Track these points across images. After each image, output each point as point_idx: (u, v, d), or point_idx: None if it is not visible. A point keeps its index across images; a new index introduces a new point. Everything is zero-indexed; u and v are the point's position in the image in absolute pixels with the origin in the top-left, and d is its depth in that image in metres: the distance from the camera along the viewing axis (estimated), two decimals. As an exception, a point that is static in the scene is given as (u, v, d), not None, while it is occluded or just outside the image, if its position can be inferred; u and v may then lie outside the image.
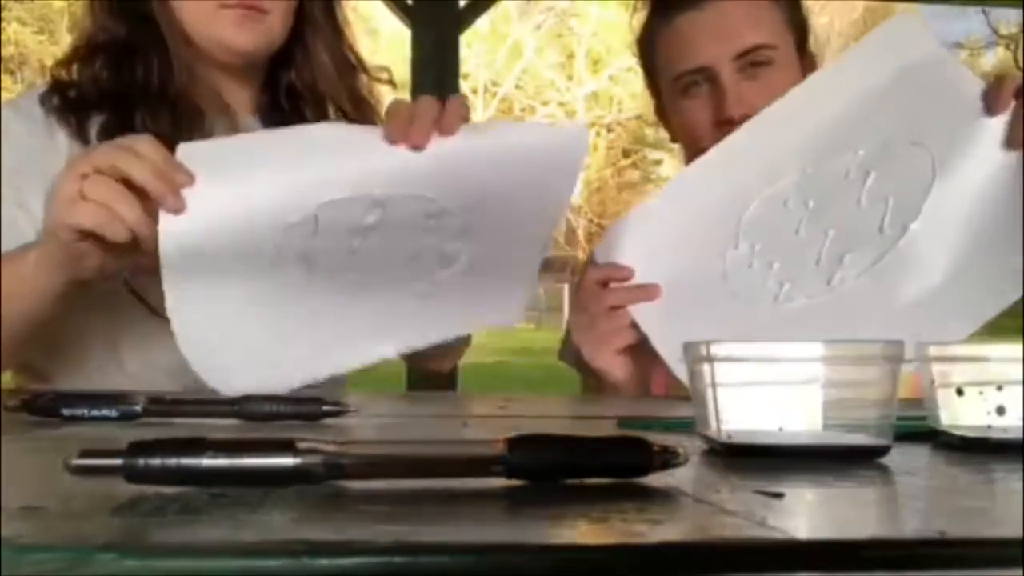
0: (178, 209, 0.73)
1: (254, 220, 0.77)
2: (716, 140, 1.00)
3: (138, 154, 0.74)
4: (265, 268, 0.80)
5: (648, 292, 0.95)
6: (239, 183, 0.77)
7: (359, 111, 1.05)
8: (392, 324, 0.89)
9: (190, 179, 0.74)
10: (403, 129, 0.76)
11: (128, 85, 0.96)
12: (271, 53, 0.99)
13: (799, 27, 1.08)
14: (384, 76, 0.92)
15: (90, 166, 0.74)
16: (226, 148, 0.82)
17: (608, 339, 0.96)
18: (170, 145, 0.77)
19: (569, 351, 1.16)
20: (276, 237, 0.78)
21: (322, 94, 1.04)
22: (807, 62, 1.10)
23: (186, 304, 0.78)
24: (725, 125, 1.01)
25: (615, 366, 0.97)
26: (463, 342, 1.06)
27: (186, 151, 0.77)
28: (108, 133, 0.91)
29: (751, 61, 1.03)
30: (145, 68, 0.96)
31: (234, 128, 1.00)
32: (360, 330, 0.88)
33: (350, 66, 1.02)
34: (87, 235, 0.75)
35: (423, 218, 0.81)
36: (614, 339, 0.96)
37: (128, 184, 0.73)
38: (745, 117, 0.99)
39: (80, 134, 0.95)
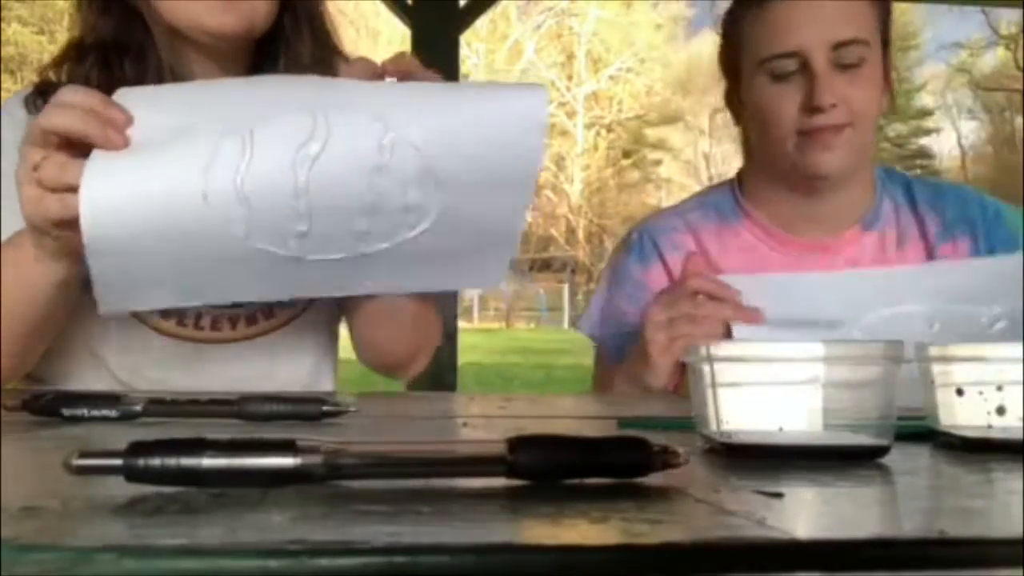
0: (120, 145, 0.72)
1: (182, 150, 0.72)
2: (800, 125, 1.05)
3: (69, 106, 0.73)
4: (195, 212, 0.72)
5: (752, 315, 0.99)
6: (172, 115, 0.74)
7: None
8: (347, 274, 0.82)
9: (126, 117, 0.74)
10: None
11: (118, 83, 0.95)
12: (255, 36, 0.97)
13: (885, 31, 1.11)
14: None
15: (36, 153, 0.73)
16: (165, 90, 0.82)
17: (679, 344, 0.98)
18: None
19: (590, 321, 1.19)
20: (206, 169, 0.71)
21: None
22: (887, 65, 1.12)
23: (104, 244, 0.72)
24: (815, 112, 1.04)
25: (670, 373, 1.00)
26: (430, 332, 1.02)
27: (123, 94, 0.76)
28: None
29: (844, 55, 1.04)
30: (134, 66, 0.95)
31: None
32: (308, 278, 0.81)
33: (328, 62, 1.01)
34: (67, 222, 0.73)
35: (375, 150, 0.74)
36: (683, 345, 0.98)
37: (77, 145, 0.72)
38: (834, 107, 1.03)
39: None
